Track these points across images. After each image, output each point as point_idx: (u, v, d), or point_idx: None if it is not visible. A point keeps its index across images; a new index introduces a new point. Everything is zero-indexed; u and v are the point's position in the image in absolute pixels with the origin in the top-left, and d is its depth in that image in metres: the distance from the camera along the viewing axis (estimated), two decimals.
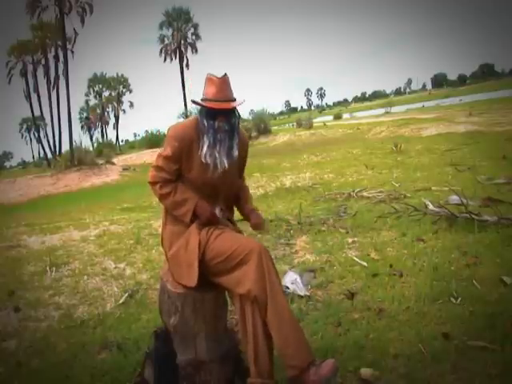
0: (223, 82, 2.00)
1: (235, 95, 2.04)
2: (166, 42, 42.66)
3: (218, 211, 2.11)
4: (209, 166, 2.01)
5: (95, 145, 37.88)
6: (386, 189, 6.43)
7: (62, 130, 36.43)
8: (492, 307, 2.48)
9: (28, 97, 42.52)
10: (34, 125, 48.37)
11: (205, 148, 2.00)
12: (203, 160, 2.00)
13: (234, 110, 2.05)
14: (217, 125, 1.99)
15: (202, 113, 2.02)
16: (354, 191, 6.43)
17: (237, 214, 2.31)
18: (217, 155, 2.00)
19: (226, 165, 2.02)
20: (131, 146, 49.74)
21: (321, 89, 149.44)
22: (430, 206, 4.55)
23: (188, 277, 1.96)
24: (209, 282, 2.00)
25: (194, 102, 2.07)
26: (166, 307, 2.05)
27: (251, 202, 2.30)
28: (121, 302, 3.42)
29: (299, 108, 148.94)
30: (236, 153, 2.06)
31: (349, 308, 2.81)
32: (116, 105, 63.72)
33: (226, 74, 2.02)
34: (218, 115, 1.99)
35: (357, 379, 2.07)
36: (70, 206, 10.67)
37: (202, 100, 2.03)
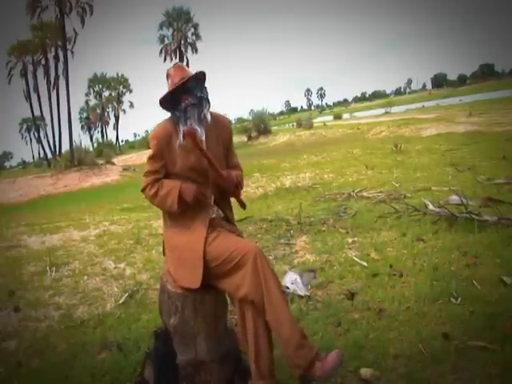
0: (177, 69, 2.08)
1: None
2: (166, 41, 42.68)
3: (215, 211, 2.10)
4: (190, 151, 2.00)
5: (95, 145, 37.87)
6: (385, 189, 6.43)
7: (62, 130, 36.54)
8: (492, 307, 2.48)
9: (28, 97, 42.54)
10: (34, 125, 48.35)
11: (181, 128, 2.01)
12: (182, 140, 2.00)
13: (196, 85, 2.04)
14: (183, 105, 2.01)
15: (170, 104, 2.05)
16: (353, 191, 6.43)
17: (239, 214, 2.30)
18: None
19: (199, 130, 2.00)
20: (131, 146, 49.80)
21: (321, 89, 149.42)
22: (430, 206, 4.55)
23: (191, 278, 1.95)
24: (209, 283, 1.99)
25: (160, 99, 2.07)
26: (165, 307, 2.05)
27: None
28: (121, 302, 3.42)
29: (299, 108, 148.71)
30: (208, 117, 2.05)
31: (349, 308, 2.81)
32: (116, 105, 63.72)
33: (177, 62, 2.11)
34: (181, 95, 2.01)
35: (357, 379, 2.07)
36: (69, 206, 10.67)
37: None
